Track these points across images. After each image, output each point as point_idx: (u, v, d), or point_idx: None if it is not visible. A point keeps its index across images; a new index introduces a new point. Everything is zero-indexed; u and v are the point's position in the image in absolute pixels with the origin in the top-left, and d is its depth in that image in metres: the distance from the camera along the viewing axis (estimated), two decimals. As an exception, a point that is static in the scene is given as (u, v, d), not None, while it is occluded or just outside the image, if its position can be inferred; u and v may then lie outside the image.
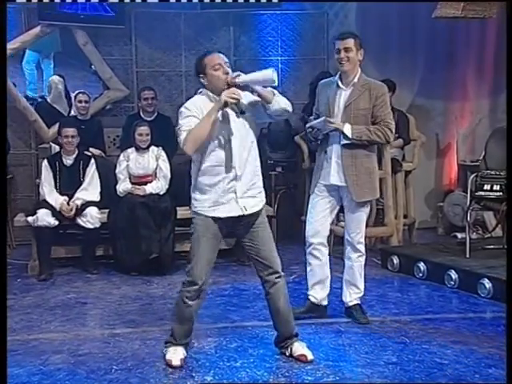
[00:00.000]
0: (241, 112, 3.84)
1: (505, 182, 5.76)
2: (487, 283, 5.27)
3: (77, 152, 6.39)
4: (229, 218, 3.91)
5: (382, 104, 4.62)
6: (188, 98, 4.02)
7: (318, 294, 4.78)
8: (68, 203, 6.19)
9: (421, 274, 5.89)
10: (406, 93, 7.99)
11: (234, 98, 3.74)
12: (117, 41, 7.70)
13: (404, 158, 7.51)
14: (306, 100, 7.39)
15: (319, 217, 4.70)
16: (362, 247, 4.73)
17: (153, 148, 6.45)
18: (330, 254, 4.84)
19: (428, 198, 8.37)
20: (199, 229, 3.91)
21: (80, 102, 7.04)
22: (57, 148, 6.68)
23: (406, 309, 5.13)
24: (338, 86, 4.66)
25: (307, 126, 4.76)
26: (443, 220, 7.93)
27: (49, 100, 7.63)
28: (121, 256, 6.28)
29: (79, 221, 6.20)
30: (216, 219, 3.90)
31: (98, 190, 6.40)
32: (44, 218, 6.05)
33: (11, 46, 7.10)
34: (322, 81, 4.88)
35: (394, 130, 4.71)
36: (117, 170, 6.43)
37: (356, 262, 4.73)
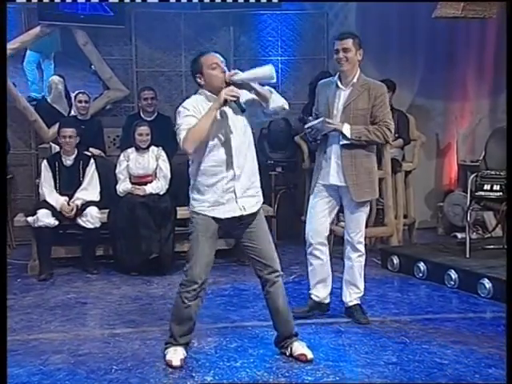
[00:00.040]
0: (241, 110, 3.85)
1: (505, 182, 5.76)
2: (487, 283, 5.27)
3: (76, 152, 6.39)
4: (228, 218, 3.91)
5: (381, 104, 4.62)
6: (188, 98, 4.02)
7: (320, 292, 4.80)
8: (68, 203, 6.19)
9: (421, 274, 5.89)
10: (406, 93, 7.99)
11: (233, 96, 3.75)
12: (117, 41, 7.70)
13: (404, 158, 7.51)
14: (306, 100, 7.39)
15: (319, 217, 4.70)
16: (361, 247, 4.73)
17: (153, 148, 6.45)
18: (330, 253, 4.84)
19: (428, 198, 8.37)
20: (198, 228, 3.91)
21: (80, 102, 7.05)
22: (57, 148, 6.67)
23: (406, 309, 5.13)
24: (337, 86, 4.66)
25: (306, 126, 4.77)
26: (443, 220, 7.93)
27: (49, 100, 7.63)
28: (121, 256, 6.28)
29: (79, 221, 6.20)
30: (216, 219, 3.90)
31: (98, 189, 6.40)
32: (44, 218, 6.05)
33: (11, 46, 7.11)
34: (322, 81, 4.88)
35: (393, 130, 4.71)
36: (117, 170, 6.43)
37: (356, 262, 4.73)
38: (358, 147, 4.60)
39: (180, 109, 3.88)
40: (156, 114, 7.13)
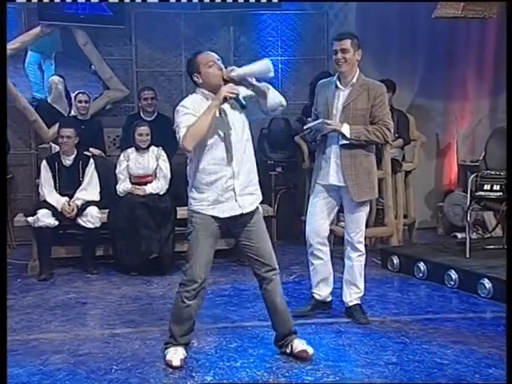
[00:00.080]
0: (241, 107, 3.85)
1: (505, 182, 5.76)
2: (487, 283, 5.27)
3: (76, 152, 6.39)
4: (228, 217, 3.92)
5: (381, 104, 4.63)
6: (186, 97, 4.02)
7: (323, 291, 4.83)
8: (69, 204, 6.19)
9: (421, 274, 5.89)
10: (406, 93, 7.98)
11: (232, 93, 3.76)
12: (117, 41, 7.70)
13: (404, 158, 7.51)
14: (306, 100, 7.39)
15: (319, 217, 4.71)
16: (361, 247, 4.74)
17: (153, 148, 6.45)
18: (331, 253, 4.85)
19: (428, 198, 8.37)
20: (198, 227, 3.92)
21: (80, 102, 7.05)
22: (57, 148, 6.67)
23: (406, 309, 5.13)
24: (336, 86, 4.66)
25: (305, 127, 4.79)
26: (443, 220, 7.93)
27: (49, 100, 7.63)
28: (121, 256, 6.28)
29: (79, 221, 6.20)
30: (215, 218, 3.91)
31: (98, 189, 6.40)
32: (44, 218, 6.05)
33: (11, 46, 7.11)
34: (321, 81, 4.89)
35: (392, 130, 4.73)
36: (117, 170, 6.43)
37: (356, 262, 4.73)
38: (358, 147, 4.60)
39: (178, 107, 3.88)
40: (156, 114, 7.13)
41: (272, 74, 3.86)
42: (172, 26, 7.76)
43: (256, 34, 7.97)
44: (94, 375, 3.86)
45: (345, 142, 4.56)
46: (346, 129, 4.53)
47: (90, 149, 6.86)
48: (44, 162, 6.38)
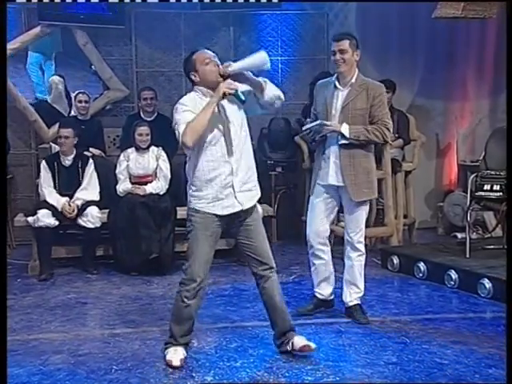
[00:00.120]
0: (241, 102, 3.87)
1: (505, 182, 5.76)
2: (487, 283, 5.27)
3: (75, 152, 6.39)
4: (227, 215, 3.93)
5: (380, 104, 4.64)
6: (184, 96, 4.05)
7: (324, 290, 4.86)
8: (69, 204, 6.19)
9: (421, 274, 5.89)
10: (406, 93, 7.99)
11: (231, 89, 3.79)
12: (117, 41, 7.70)
13: (404, 158, 7.51)
14: (306, 100, 7.39)
15: (319, 218, 4.73)
16: (361, 246, 4.74)
17: (153, 148, 6.45)
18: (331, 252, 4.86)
19: (428, 198, 8.37)
20: (198, 226, 3.93)
21: (80, 102, 7.05)
22: (57, 148, 6.67)
23: (406, 309, 5.13)
24: (335, 86, 4.67)
25: (303, 128, 4.81)
26: (443, 220, 7.93)
27: (49, 100, 7.63)
28: (121, 256, 6.28)
29: (80, 221, 6.20)
30: (215, 216, 3.91)
31: (98, 189, 6.40)
32: (44, 218, 6.05)
33: (11, 46, 7.11)
34: (320, 81, 4.90)
35: (391, 130, 4.75)
36: (117, 171, 6.44)
37: (356, 262, 4.74)
38: (357, 147, 4.61)
39: (177, 105, 3.90)
40: (156, 114, 7.13)
41: (268, 66, 3.89)
42: (172, 26, 7.76)
43: (256, 33, 7.97)
44: (94, 375, 3.86)
45: (344, 141, 4.57)
46: (345, 129, 4.54)
47: (90, 149, 6.86)
48: (43, 163, 6.38)
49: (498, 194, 5.85)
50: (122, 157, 6.48)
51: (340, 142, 4.59)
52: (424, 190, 8.29)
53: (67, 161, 6.36)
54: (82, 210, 6.20)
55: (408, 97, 8.07)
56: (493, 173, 5.95)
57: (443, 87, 8.21)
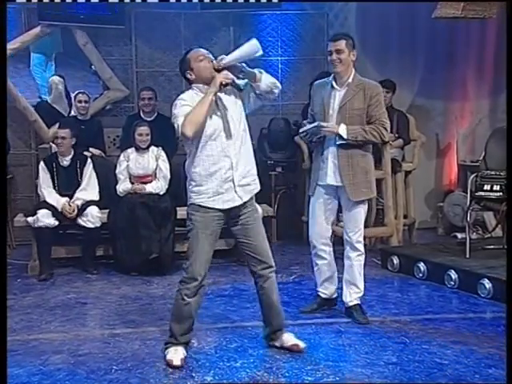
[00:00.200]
0: (239, 89, 3.97)
1: (505, 182, 5.76)
2: (487, 283, 5.27)
3: (73, 152, 6.39)
4: (227, 210, 3.95)
5: (377, 104, 4.65)
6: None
7: (328, 289, 4.89)
8: (69, 204, 6.19)
9: (421, 274, 5.89)
10: (406, 93, 7.99)
11: (228, 79, 3.87)
12: (117, 41, 7.70)
13: (404, 158, 7.51)
14: (306, 100, 7.36)
15: (321, 219, 4.75)
16: (360, 246, 4.75)
17: (153, 148, 6.45)
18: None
19: (428, 198, 8.37)
20: (198, 225, 3.95)
21: (80, 102, 7.05)
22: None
23: (406, 309, 5.13)
24: (332, 86, 4.69)
25: (300, 130, 4.84)
26: (443, 220, 7.92)
27: (49, 100, 7.63)
28: (121, 256, 6.28)
29: (80, 221, 6.20)
30: (215, 212, 3.93)
31: (97, 189, 6.40)
32: (44, 218, 6.05)
33: (11, 46, 7.11)
34: (317, 82, 4.93)
35: (389, 129, 4.77)
36: (117, 171, 6.43)
37: (355, 262, 4.74)
38: (355, 147, 4.62)
39: (176, 101, 3.96)
40: (156, 114, 7.13)
41: (261, 52, 3.94)
42: (172, 26, 7.76)
43: (256, 34, 7.93)
44: (94, 375, 3.86)
45: (342, 142, 4.58)
46: (342, 130, 4.55)
47: (90, 149, 6.86)
48: (42, 163, 6.38)
49: (498, 194, 5.84)
50: (121, 157, 6.48)
51: (338, 143, 4.60)
52: (424, 190, 8.29)
53: (65, 161, 6.36)
54: (81, 209, 6.20)
55: (408, 97, 8.07)
56: (493, 173, 5.95)
57: (443, 87, 8.21)
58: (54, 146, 6.95)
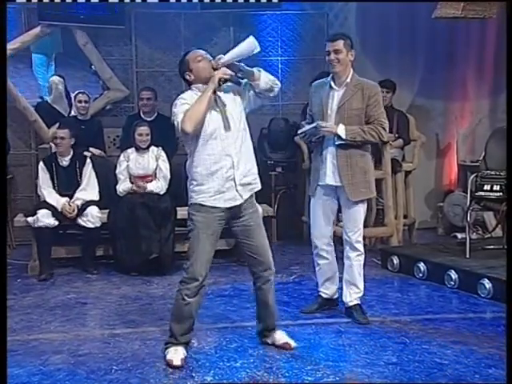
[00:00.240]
0: (238, 84, 4.01)
1: (505, 183, 5.76)
2: (487, 283, 5.27)
3: (72, 153, 6.39)
4: (228, 210, 3.96)
5: (375, 104, 4.65)
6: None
7: (329, 289, 4.90)
8: (69, 204, 6.19)
9: (421, 274, 5.89)
10: (406, 93, 7.98)
11: (226, 75, 3.91)
12: (117, 41, 7.70)
13: (404, 158, 7.51)
14: (306, 100, 7.33)
15: (322, 219, 4.76)
16: (360, 246, 4.75)
17: (153, 148, 6.45)
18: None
19: (428, 198, 8.37)
20: (199, 225, 3.95)
21: (80, 102, 7.05)
22: (57, 148, 6.68)
23: (406, 309, 5.13)
24: (330, 86, 4.70)
25: (299, 131, 4.85)
26: (443, 220, 7.92)
27: (49, 100, 7.63)
28: (121, 256, 6.28)
29: (80, 221, 6.20)
30: (216, 212, 3.94)
31: (97, 189, 6.41)
32: (44, 218, 6.05)
33: (11, 46, 7.10)
34: (315, 82, 4.94)
35: (387, 129, 4.77)
36: (117, 171, 6.43)
37: (355, 261, 4.75)
38: (353, 147, 4.63)
39: (176, 101, 3.99)
40: (156, 114, 7.12)
41: (258, 49, 3.99)
42: (172, 26, 7.76)
43: (256, 34, 7.85)
44: (94, 375, 3.86)
45: (341, 142, 4.58)
46: (341, 130, 4.56)
47: (90, 149, 6.86)
48: (41, 164, 6.38)
49: (498, 194, 5.84)
50: (122, 157, 6.48)
51: (337, 143, 4.61)
52: (424, 190, 8.29)
53: (64, 161, 6.36)
54: (81, 209, 6.20)
55: (408, 97, 8.07)
56: (493, 173, 5.95)
57: (443, 87, 8.21)
58: (53, 146, 6.96)
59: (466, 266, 5.63)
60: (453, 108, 8.29)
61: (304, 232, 7.16)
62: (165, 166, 6.41)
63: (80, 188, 6.32)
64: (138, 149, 6.40)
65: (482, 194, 5.94)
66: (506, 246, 5.89)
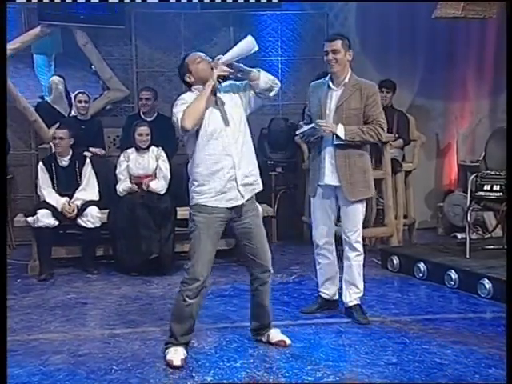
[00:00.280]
0: (237, 79, 4.03)
1: (505, 183, 5.75)
2: (487, 283, 5.27)
3: (71, 153, 6.39)
4: (230, 210, 3.96)
5: (374, 103, 4.66)
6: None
7: (329, 290, 4.90)
8: (69, 204, 6.19)
9: (421, 274, 5.89)
10: (406, 93, 7.99)
11: (224, 71, 3.94)
12: (117, 41, 7.70)
13: (404, 158, 7.51)
14: (307, 100, 7.37)
15: (323, 219, 4.77)
16: (359, 246, 4.75)
17: (153, 148, 6.45)
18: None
19: (428, 198, 8.37)
20: (200, 226, 3.96)
21: (80, 102, 7.05)
22: (57, 148, 6.68)
23: (406, 309, 5.13)
24: (328, 86, 4.70)
25: (297, 132, 4.86)
26: (443, 220, 7.92)
27: (49, 100, 7.63)
28: (121, 256, 6.28)
29: (80, 221, 6.20)
30: (218, 212, 3.94)
31: (97, 189, 6.41)
32: (44, 218, 6.05)
33: (11, 46, 7.11)
34: (313, 82, 4.95)
35: (386, 129, 4.77)
36: (117, 171, 6.43)
37: (354, 262, 4.75)
38: (352, 147, 4.63)
39: (176, 101, 4.02)
40: (156, 114, 7.13)
41: (256, 48, 4.01)
42: (172, 26, 7.76)
43: (256, 34, 7.90)
44: (94, 375, 3.86)
45: (339, 142, 4.59)
46: (340, 130, 4.56)
47: (91, 148, 6.86)
48: (40, 164, 6.38)
49: (498, 194, 5.84)
50: (122, 157, 6.48)
51: (335, 143, 4.61)
52: (424, 190, 8.29)
53: (64, 161, 6.36)
54: (81, 210, 6.20)
55: (408, 97, 8.07)
56: (493, 173, 5.95)
57: (443, 87, 8.21)
58: (53, 146, 6.96)
59: (466, 266, 5.63)
60: (453, 108, 8.30)
61: (304, 232, 7.16)
62: (165, 166, 6.41)
63: (80, 188, 6.32)
64: (138, 149, 6.41)
65: (482, 194, 5.94)
66: (506, 246, 5.89)
